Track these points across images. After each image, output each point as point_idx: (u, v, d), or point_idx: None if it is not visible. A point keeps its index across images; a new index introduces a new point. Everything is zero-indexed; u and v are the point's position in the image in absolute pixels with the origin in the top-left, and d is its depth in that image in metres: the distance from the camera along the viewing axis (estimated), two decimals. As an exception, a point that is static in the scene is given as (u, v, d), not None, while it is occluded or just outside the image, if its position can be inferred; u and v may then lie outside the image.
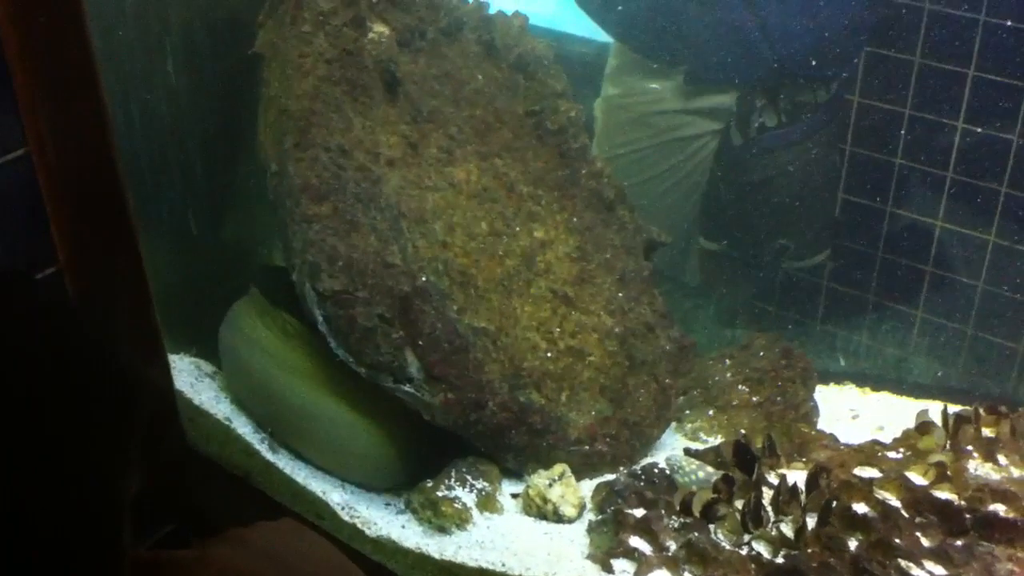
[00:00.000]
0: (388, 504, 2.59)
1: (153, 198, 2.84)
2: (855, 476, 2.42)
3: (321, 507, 2.54)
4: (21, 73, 1.98)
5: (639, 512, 2.40)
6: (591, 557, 2.38)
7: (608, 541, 2.38)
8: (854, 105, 3.55)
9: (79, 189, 2.14)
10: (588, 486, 2.61)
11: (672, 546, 2.32)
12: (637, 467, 2.64)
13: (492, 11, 3.05)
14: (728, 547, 2.29)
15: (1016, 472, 2.48)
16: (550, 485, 2.54)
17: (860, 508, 2.31)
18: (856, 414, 3.07)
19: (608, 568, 2.32)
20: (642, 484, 2.52)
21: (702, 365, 3.05)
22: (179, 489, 2.57)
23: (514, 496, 2.58)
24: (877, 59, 3.46)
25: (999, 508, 2.31)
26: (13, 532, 1.14)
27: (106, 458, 1.23)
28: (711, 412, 2.91)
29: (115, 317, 2.31)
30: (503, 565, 2.36)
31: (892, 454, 2.55)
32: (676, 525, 2.36)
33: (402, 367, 2.46)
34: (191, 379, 2.80)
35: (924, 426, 2.62)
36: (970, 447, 2.54)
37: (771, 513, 2.33)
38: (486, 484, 2.55)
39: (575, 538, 2.46)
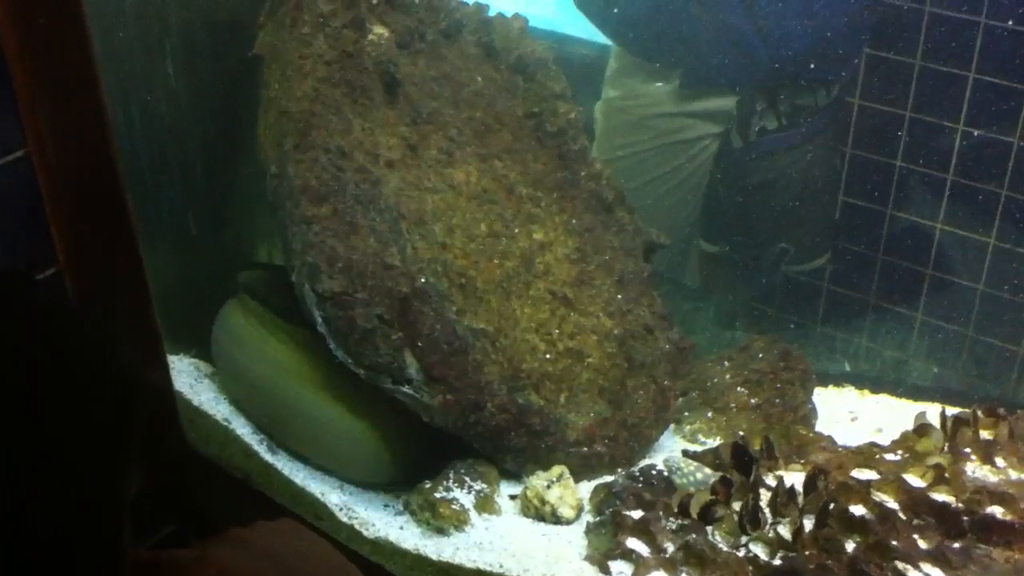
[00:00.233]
0: (387, 505, 2.59)
1: (153, 199, 2.84)
2: (853, 478, 2.42)
3: (320, 508, 2.55)
4: (21, 73, 1.98)
5: (637, 514, 2.41)
6: (589, 559, 2.38)
7: (606, 543, 2.38)
8: (854, 107, 3.56)
9: (79, 190, 2.14)
10: (586, 487, 2.61)
11: (670, 548, 2.32)
12: (635, 469, 2.64)
13: (492, 13, 3.05)
14: (726, 549, 2.29)
15: (1014, 474, 2.48)
16: (548, 487, 2.54)
17: (858, 510, 2.31)
18: (855, 416, 3.07)
19: (606, 570, 2.32)
20: (640, 486, 2.52)
21: (701, 367, 3.05)
22: (179, 490, 2.57)
23: (512, 497, 2.59)
24: (877, 61, 3.46)
25: (997, 510, 2.31)
26: (13, 532, 1.15)
27: (106, 458, 1.24)
28: (710, 414, 2.91)
29: (115, 318, 2.31)
30: (501, 566, 2.36)
31: (890, 456, 2.55)
32: (674, 527, 2.37)
33: (401, 368, 2.46)
34: (190, 380, 2.80)
35: (922, 428, 2.62)
36: (968, 449, 2.54)
37: (769, 515, 2.34)
38: (484, 485, 2.55)
39: (573, 539, 2.47)
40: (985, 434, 2.59)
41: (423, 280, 2.54)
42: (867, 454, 2.55)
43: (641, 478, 2.56)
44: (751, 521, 2.31)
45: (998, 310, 3.49)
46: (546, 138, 2.97)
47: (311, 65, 2.63)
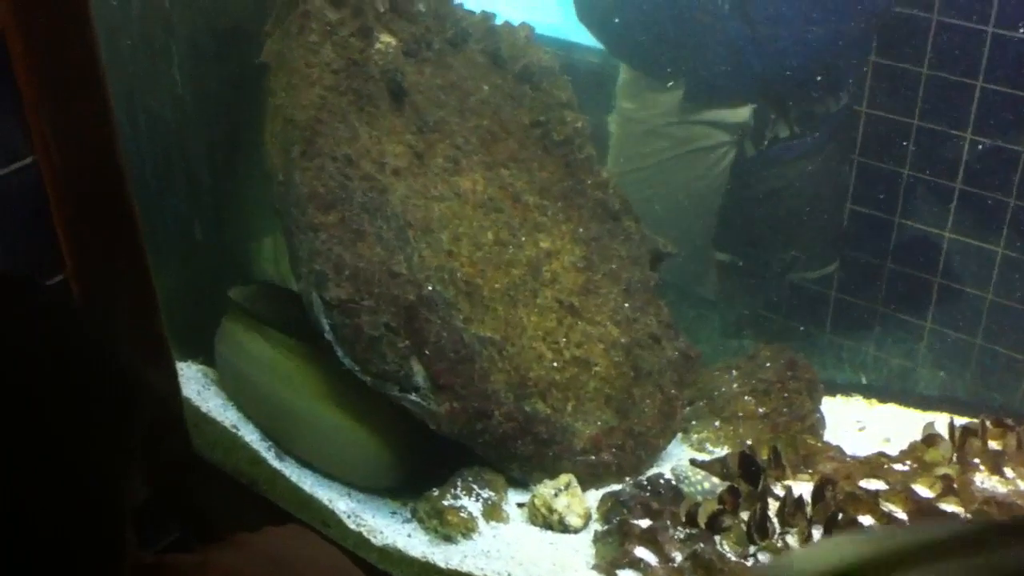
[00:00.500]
0: (394, 513, 2.59)
1: (159, 205, 2.85)
2: (861, 488, 2.42)
3: (327, 515, 2.54)
4: (27, 80, 1.99)
5: (645, 523, 2.40)
6: (596, 567, 2.37)
7: (613, 551, 2.38)
8: (862, 116, 3.55)
9: (85, 196, 2.14)
10: (594, 496, 2.60)
11: (678, 557, 2.31)
12: (643, 477, 2.63)
13: (498, 22, 3.06)
14: (733, 558, 2.29)
15: (1022, 485, 2.47)
16: (556, 495, 2.53)
17: (866, 520, 2.30)
18: (862, 426, 3.06)
19: (613, 578, 2.32)
20: (648, 495, 2.52)
21: (708, 376, 3.04)
22: (184, 496, 2.57)
23: (520, 506, 2.58)
24: (884, 70, 3.46)
25: (1006, 521, 2.30)
26: (12, 532, 1.14)
27: (106, 458, 1.23)
28: (717, 423, 2.90)
29: (119, 322, 2.31)
30: (508, 574, 2.36)
31: (898, 466, 2.54)
32: (682, 536, 2.36)
33: (408, 376, 2.46)
34: (198, 387, 2.80)
35: (930, 439, 2.62)
36: (976, 460, 2.53)
37: (777, 525, 2.33)
38: (492, 493, 2.55)
39: (580, 548, 2.46)
40: (993, 444, 2.59)
41: (430, 288, 2.54)
42: (875, 464, 2.54)
43: (648, 487, 2.55)
44: (759, 531, 2.30)
45: (1006, 319, 3.48)
46: (552, 147, 2.97)
47: (318, 73, 2.63)
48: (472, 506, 2.51)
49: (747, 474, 2.48)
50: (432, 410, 2.48)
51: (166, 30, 2.75)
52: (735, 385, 2.99)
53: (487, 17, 3.02)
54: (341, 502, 2.56)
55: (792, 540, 2.29)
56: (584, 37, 3.82)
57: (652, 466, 2.76)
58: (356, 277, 2.45)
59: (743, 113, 3.50)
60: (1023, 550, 0.85)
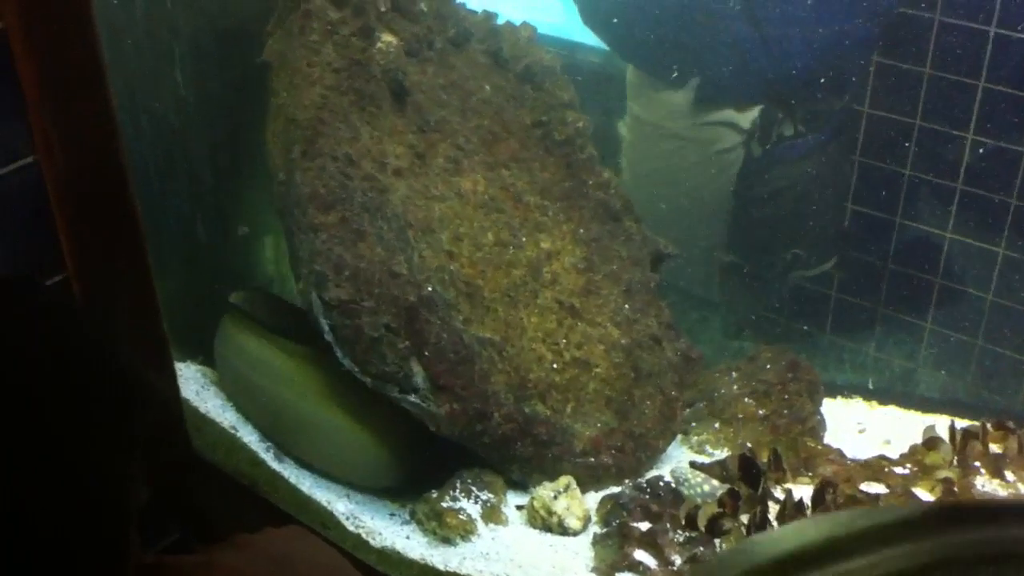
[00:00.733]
0: (393, 514, 2.59)
1: (160, 205, 2.84)
2: (862, 492, 2.41)
3: (326, 516, 2.54)
4: (29, 80, 1.98)
5: (644, 525, 2.40)
6: (596, 570, 2.37)
7: (613, 554, 2.37)
8: (864, 116, 3.54)
9: (87, 196, 2.14)
10: (593, 498, 2.60)
11: (677, 560, 2.31)
12: (642, 480, 2.63)
13: (500, 21, 3.05)
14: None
15: (1023, 488, 2.47)
16: (555, 497, 2.53)
17: (866, 524, 2.29)
18: (863, 428, 3.05)
19: (613, 581, 2.31)
20: (647, 497, 2.51)
21: (708, 377, 3.04)
22: (185, 497, 2.57)
23: (519, 508, 2.58)
24: (887, 70, 3.45)
25: (1006, 525, 2.29)
26: (13, 533, 1.14)
27: (107, 459, 1.23)
28: (717, 425, 2.90)
29: (119, 322, 2.31)
30: (507, 577, 2.36)
31: (899, 469, 2.53)
32: (681, 539, 2.36)
33: (408, 377, 2.46)
34: (197, 387, 2.79)
35: (931, 442, 2.61)
36: (977, 463, 2.53)
37: (777, 528, 2.32)
38: (491, 495, 2.54)
39: (580, 551, 2.46)
40: (994, 447, 2.58)
41: (430, 289, 2.53)
42: (876, 467, 2.54)
43: (648, 489, 2.55)
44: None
45: (1007, 320, 3.47)
46: (554, 147, 2.97)
47: (319, 73, 2.63)
48: (471, 508, 2.50)
49: (747, 477, 2.48)
50: (432, 411, 2.48)
51: (169, 30, 2.75)
52: (735, 387, 2.98)
53: (489, 17, 3.02)
54: (340, 504, 2.56)
55: (792, 543, 2.28)
56: (587, 37, 3.82)
57: (652, 468, 2.75)
58: (356, 278, 2.44)
59: (752, 114, 3.49)
60: (964, 533, 0.87)
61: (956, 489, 2.42)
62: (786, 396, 2.92)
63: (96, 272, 2.20)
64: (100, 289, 2.20)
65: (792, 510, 2.33)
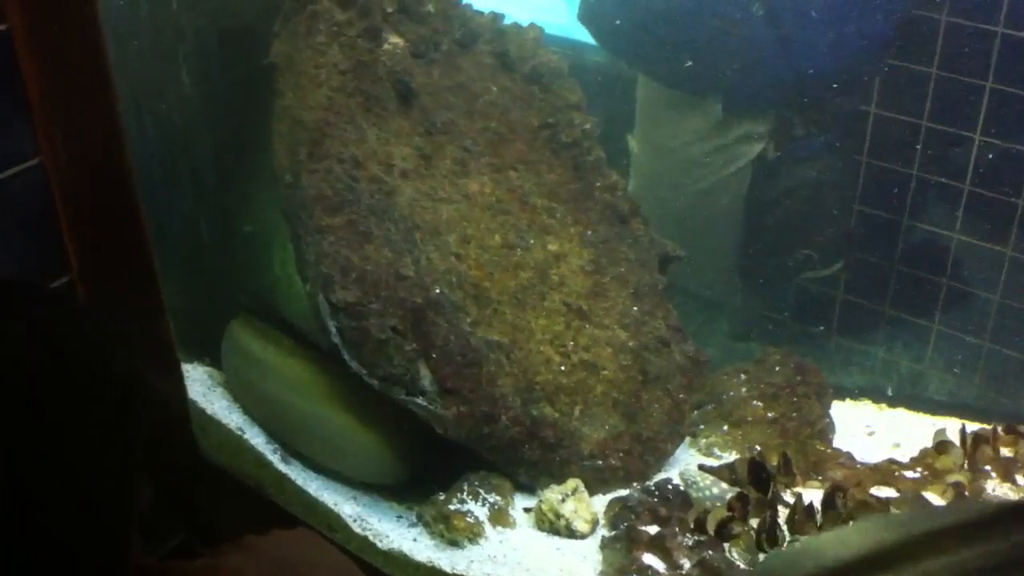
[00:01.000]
0: (400, 517, 2.58)
1: (166, 207, 2.83)
2: (872, 496, 2.40)
3: (333, 519, 2.53)
4: (35, 83, 1.98)
5: (653, 529, 2.38)
6: (603, 574, 2.36)
7: (621, 558, 2.36)
8: (871, 117, 3.53)
9: (91, 198, 2.13)
10: (601, 501, 2.59)
11: (686, 564, 2.29)
12: (651, 483, 2.62)
13: (507, 22, 3.04)
14: (742, 566, 2.27)
15: (1034, 492, 2.46)
16: (563, 500, 2.52)
17: (876, 528, 2.28)
18: (872, 430, 3.04)
19: (621, 585, 2.30)
20: (656, 500, 2.50)
21: (716, 380, 3.03)
22: (190, 498, 2.56)
23: (527, 511, 2.57)
24: (894, 71, 3.44)
25: (1017, 529, 2.28)
26: (13, 532, 1.14)
27: (106, 459, 1.23)
28: (725, 428, 2.89)
29: (125, 324, 2.30)
30: (515, 581, 2.34)
31: (909, 473, 2.52)
32: (690, 543, 2.34)
33: (415, 380, 2.45)
34: (204, 389, 2.79)
35: (941, 445, 2.60)
36: (988, 467, 2.51)
37: (786, 532, 2.31)
38: (498, 498, 2.53)
39: (588, 554, 2.45)
40: (1005, 451, 2.57)
41: (437, 291, 2.52)
42: (886, 471, 2.53)
43: (656, 492, 2.53)
44: (768, 538, 2.29)
45: (1015, 321, 3.46)
46: (561, 149, 2.95)
47: (325, 74, 2.62)
48: (478, 511, 2.49)
49: (756, 480, 2.46)
50: (439, 414, 2.47)
51: (174, 32, 2.74)
52: (744, 389, 2.97)
53: (496, 18, 3.00)
54: (347, 506, 2.55)
55: (801, 548, 2.26)
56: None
57: (660, 471, 2.74)
58: (363, 280, 2.43)
59: (770, 120, 3.47)
60: None
61: (967, 493, 2.41)
62: (795, 399, 2.91)
63: (100, 274, 2.19)
64: (104, 291, 2.20)
65: (802, 514, 2.32)
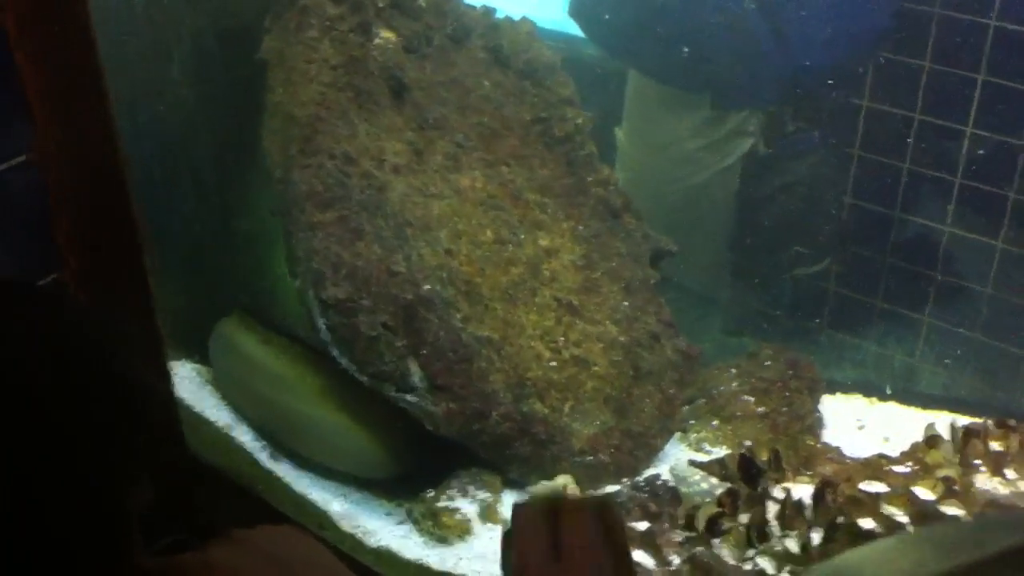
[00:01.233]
0: (389, 514, 2.58)
1: (158, 205, 2.82)
2: (862, 491, 2.39)
3: (322, 517, 2.53)
4: (30, 80, 1.97)
5: (643, 525, 2.38)
6: (594, 570, 2.35)
7: (611, 554, 2.36)
8: (863, 110, 3.53)
9: (85, 196, 2.13)
10: (592, 497, 2.59)
11: (676, 560, 2.29)
12: (641, 479, 2.62)
13: (500, 16, 3.03)
14: (732, 562, 2.27)
15: (1024, 487, 2.46)
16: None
17: (867, 524, 2.28)
18: (862, 424, 3.04)
19: (611, 582, 2.29)
20: (646, 496, 2.50)
21: (708, 375, 3.03)
22: (183, 497, 2.56)
23: (517, 507, 2.56)
24: (887, 64, 3.43)
25: (1007, 525, 2.28)
26: (13, 533, 1.14)
27: (106, 459, 1.23)
28: (716, 423, 2.89)
29: (125, 324, 2.30)
30: (505, 577, 2.34)
31: (899, 468, 2.52)
32: (680, 539, 2.34)
33: (405, 376, 2.45)
34: (193, 386, 2.79)
35: (932, 440, 2.59)
36: (978, 461, 2.51)
37: (776, 528, 2.31)
38: (488, 495, 2.53)
39: (579, 551, 2.44)
40: (995, 445, 2.57)
41: (428, 287, 2.52)
42: (876, 466, 2.52)
43: (647, 488, 2.53)
44: (758, 534, 2.28)
45: (1006, 313, 3.46)
46: (554, 144, 2.95)
47: (317, 69, 2.61)
48: (468, 508, 2.49)
49: (746, 476, 2.46)
50: (430, 410, 2.47)
51: (168, 30, 2.72)
52: (735, 384, 2.97)
53: (488, 12, 3.00)
54: (336, 504, 2.55)
55: (792, 544, 2.27)
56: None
57: (650, 466, 2.74)
58: (354, 276, 2.43)
59: (765, 114, 3.46)
60: None
61: (957, 488, 2.41)
62: (786, 393, 2.91)
63: (94, 272, 2.19)
64: (99, 289, 2.19)
65: (792, 510, 2.32)
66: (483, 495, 2.52)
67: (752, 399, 2.90)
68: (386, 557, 2.44)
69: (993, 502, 2.35)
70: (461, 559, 2.40)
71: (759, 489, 2.41)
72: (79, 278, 2.16)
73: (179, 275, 2.82)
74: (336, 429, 2.60)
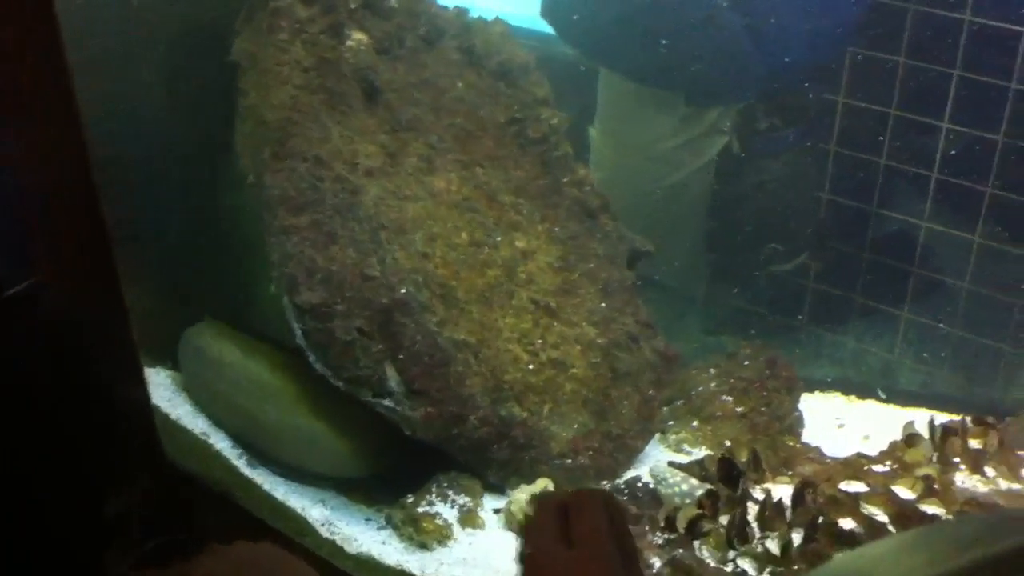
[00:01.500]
0: (369, 520, 2.56)
1: (130, 209, 2.79)
2: (842, 491, 2.40)
3: (301, 523, 2.50)
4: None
5: (623, 528, 2.37)
6: (574, 574, 2.34)
7: (591, 558, 2.35)
8: (839, 106, 3.53)
9: (53, 200, 2.10)
10: (572, 500, 2.57)
11: (657, 563, 2.29)
12: (620, 481, 2.61)
13: (474, 14, 3.01)
14: (713, 564, 2.27)
15: (1004, 484, 2.46)
16: (531, 500, 2.50)
17: (847, 524, 2.28)
18: (842, 423, 3.04)
19: (591, 586, 2.28)
20: (626, 499, 2.49)
21: (687, 375, 3.02)
22: (160, 505, 2.53)
23: (496, 511, 2.55)
24: (862, 60, 3.43)
25: (987, 523, 2.28)
26: None
27: (83, 473, 1.21)
28: (695, 423, 2.88)
29: (92, 331, 2.27)
30: (486, 582, 2.33)
31: (879, 467, 2.52)
32: (660, 541, 2.34)
33: (382, 381, 2.43)
34: (168, 393, 2.76)
35: (910, 438, 2.60)
36: (957, 459, 2.52)
37: (757, 529, 2.31)
38: (468, 499, 2.52)
39: (558, 554, 2.43)
40: (974, 443, 2.57)
41: (403, 291, 2.50)
42: (855, 466, 2.53)
43: (627, 491, 2.53)
44: (739, 536, 2.28)
45: (983, 307, 3.46)
46: (528, 144, 2.93)
47: (288, 72, 2.58)
48: (448, 513, 2.48)
49: (726, 477, 2.46)
50: (407, 415, 2.45)
51: (138, 31, 2.70)
52: (713, 384, 2.97)
53: (461, 13, 2.98)
54: (315, 510, 2.53)
55: (772, 545, 2.26)
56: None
57: (630, 468, 2.73)
58: (328, 281, 2.41)
59: (739, 112, 3.45)
60: None
61: (936, 486, 2.41)
62: (764, 393, 2.91)
63: (66, 279, 2.16)
64: (71, 298, 2.16)
65: (772, 511, 2.32)
66: (463, 500, 2.51)
67: (731, 399, 2.90)
68: (366, 563, 2.42)
69: (972, 500, 2.35)
70: (442, 564, 2.39)
71: (739, 490, 2.40)
72: (47, 284, 2.13)
73: (152, 280, 2.79)
74: (312, 432, 2.58)
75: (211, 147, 2.86)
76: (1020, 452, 2.56)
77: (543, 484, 2.54)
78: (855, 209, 3.61)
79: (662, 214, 3.55)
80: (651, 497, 2.51)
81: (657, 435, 2.87)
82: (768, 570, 2.24)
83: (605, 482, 2.63)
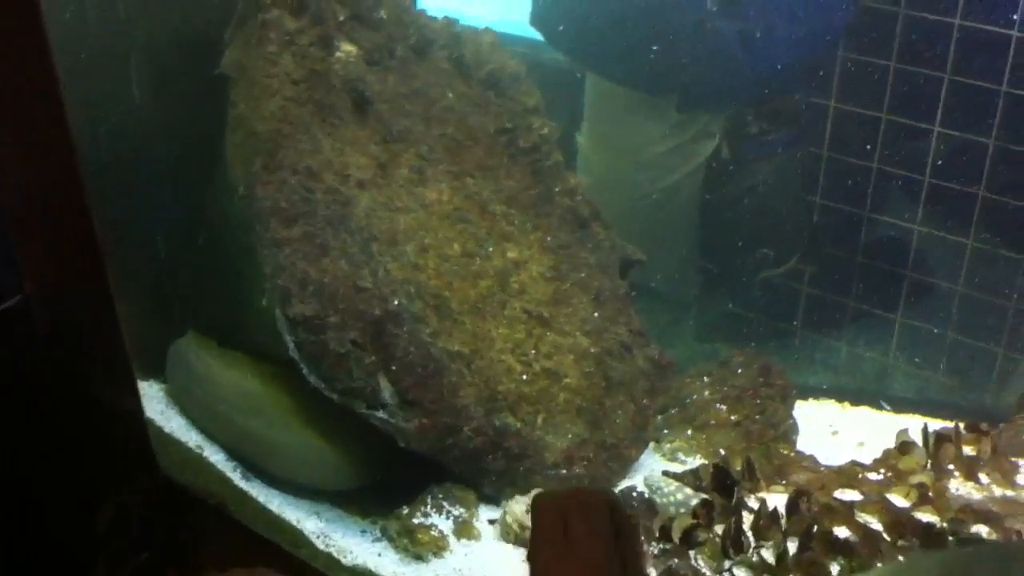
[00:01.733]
0: (364, 532, 2.55)
1: (121, 222, 2.78)
2: (836, 499, 2.39)
3: (297, 535, 2.50)
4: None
5: (618, 538, 2.37)
6: (569, 585, 2.34)
7: (587, 568, 2.34)
8: (830, 111, 3.53)
9: (44, 213, 2.10)
10: (566, 510, 2.56)
11: (652, 573, 2.28)
12: (615, 490, 2.60)
13: (463, 23, 3.01)
14: (709, 573, 2.26)
15: (998, 491, 2.46)
16: (527, 511, 2.50)
17: (842, 532, 2.28)
18: (836, 430, 3.04)
19: (587, 597, 2.28)
20: (621, 508, 2.48)
21: (681, 383, 3.02)
22: (154, 518, 2.53)
23: (491, 522, 2.55)
24: (853, 64, 3.43)
25: (982, 529, 2.29)
26: None
27: (73, 488, 1.21)
28: (689, 432, 2.88)
29: (84, 344, 2.27)
30: (480, 594, 2.33)
31: (873, 475, 2.52)
32: (656, 551, 2.33)
33: (375, 392, 2.42)
34: (161, 406, 2.75)
35: (904, 446, 2.60)
36: (951, 466, 2.51)
37: (752, 538, 2.30)
38: (463, 510, 2.52)
39: (553, 565, 2.42)
40: (968, 450, 2.57)
41: (396, 302, 2.50)
42: (850, 474, 2.52)
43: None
44: (734, 545, 2.27)
45: (976, 310, 3.47)
46: (519, 154, 2.93)
47: (278, 84, 2.58)
48: (443, 524, 2.48)
49: (721, 487, 2.45)
50: (401, 426, 2.45)
51: (125, 41, 2.69)
52: (707, 392, 2.97)
53: (450, 23, 2.97)
54: (310, 522, 2.52)
55: (768, 554, 2.26)
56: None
57: (624, 478, 2.73)
58: (321, 293, 2.41)
59: (729, 116, 3.45)
60: None
61: (931, 494, 2.41)
62: (758, 401, 2.91)
63: (58, 293, 2.15)
64: (63, 312, 2.16)
65: (767, 520, 2.31)
66: (457, 511, 2.50)
67: (725, 408, 2.90)
68: (362, 575, 2.42)
69: (967, 507, 2.35)
70: (437, 575, 2.38)
71: (734, 500, 2.40)
72: (39, 299, 2.12)
73: (143, 293, 2.78)
74: (303, 445, 2.58)
75: (202, 158, 2.86)
76: (1014, 458, 2.56)
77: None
78: (848, 214, 3.61)
79: (652, 219, 3.55)
80: (646, 507, 2.51)
81: (652, 444, 2.86)
82: (763, 579, 2.23)
83: (600, 492, 2.63)
